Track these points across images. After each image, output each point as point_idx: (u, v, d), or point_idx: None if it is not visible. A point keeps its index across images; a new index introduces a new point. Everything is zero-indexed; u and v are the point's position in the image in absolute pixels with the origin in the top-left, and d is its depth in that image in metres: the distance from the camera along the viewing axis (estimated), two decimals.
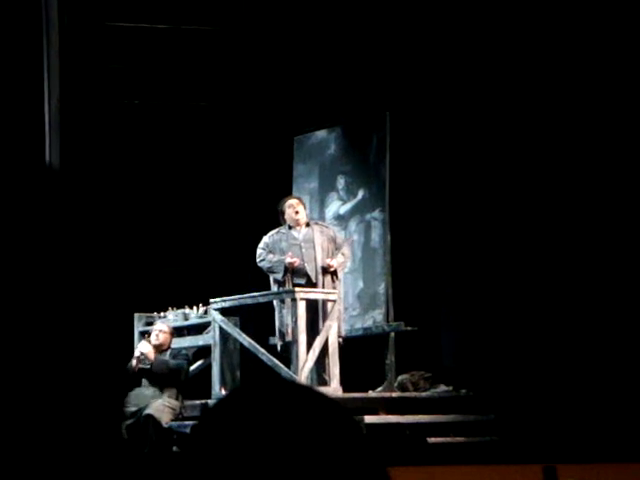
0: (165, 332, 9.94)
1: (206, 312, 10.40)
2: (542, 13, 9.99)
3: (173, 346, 10.33)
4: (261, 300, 9.93)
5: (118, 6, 11.39)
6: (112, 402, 9.61)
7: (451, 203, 10.90)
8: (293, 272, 9.76)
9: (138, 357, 9.79)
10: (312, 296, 9.70)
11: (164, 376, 9.71)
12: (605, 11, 9.60)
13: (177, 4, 11.54)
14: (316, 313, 9.62)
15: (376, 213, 10.67)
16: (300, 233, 9.91)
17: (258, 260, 9.87)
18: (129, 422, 9.62)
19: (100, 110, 11.30)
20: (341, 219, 10.98)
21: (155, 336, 9.92)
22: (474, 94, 10.60)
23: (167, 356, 9.90)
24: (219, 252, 11.67)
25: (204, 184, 11.77)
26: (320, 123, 11.25)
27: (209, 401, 9.79)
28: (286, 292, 9.71)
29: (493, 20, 10.36)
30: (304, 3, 11.43)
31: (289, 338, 9.61)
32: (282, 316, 9.69)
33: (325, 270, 9.81)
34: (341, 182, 11.02)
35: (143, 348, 9.83)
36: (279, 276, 9.78)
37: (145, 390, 9.72)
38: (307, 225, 9.98)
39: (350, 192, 10.95)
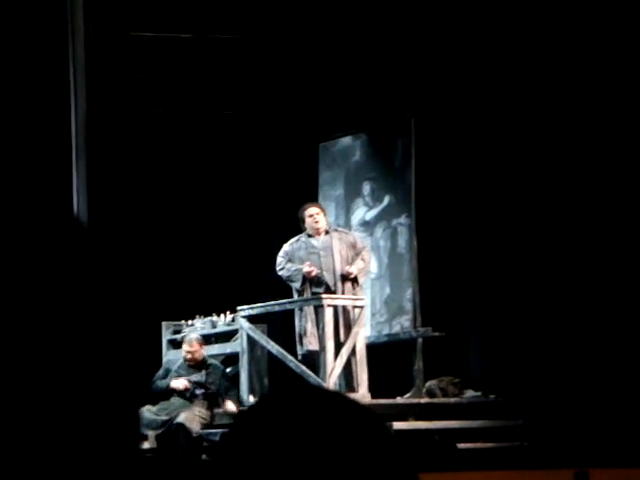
0: (197, 350, 9.88)
1: (234, 320, 10.41)
2: (566, 20, 9.96)
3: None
4: (288, 307, 9.94)
5: (142, 16, 11.44)
6: (133, 412, 9.62)
7: (477, 208, 10.87)
8: (311, 281, 9.77)
9: (186, 387, 9.72)
10: (339, 302, 9.69)
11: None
12: (618, 13, 9.56)
13: (201, 13, 11.58)
14: (337, 320, 9.60)
15: (402, 219, 10.65)
16: (319, 241, 9.91)
17: (278, 269, 9.90)
18: (160, 431, 9.63)
19: (125, 119, 11.35)
20: (367, 225, 10.97)
21: (189, 357, 9.86)
22: (499, 99, 10.57)
23: (203, 368, 9.83)
24: (246, 260, 11.68)
25: (231, 192, 11.79)
26: (345, 130, 11.25)
27: (242, 409, 9.80)
28: (313, 299, 9.71)
29: (518, 28, 10.33)
30: (329, 11, 11.44)
31: (309, 346, 9.61)
32: (301, 324, 9.70)
33: (345, 277, 9.80)
34: (367, 188, 11.02)
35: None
36: (297, 285, 9.80)
37: (176, 401, 9.72)
38: (327, 233, 9.98)
39: (376, 198, 10.94)
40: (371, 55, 11.32)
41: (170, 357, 10.35)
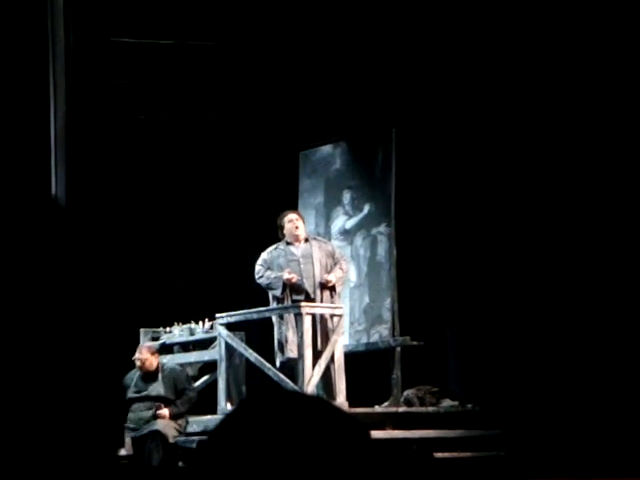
0: (147, 359, 9.68)
1: (212, 327, 10.38)
2: (545, 28, 10.00)
3: (180, 361, 10.30)
4: (267, 315, 9.91)
5: (123, 22, 11.42)
6: (114, 417, 9.60)
7: (457, 217, 10.89)
8: (291, 288, 9.75)
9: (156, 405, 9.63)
10: (318, 311, 9.68)
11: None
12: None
13: (181, 20, 11.57)
14: (314, 329, 9.59)
15: (382, 228, 10.65)
16: (299, 249, 9.90)
17: (257, 277, 9.86)
18: (132, 435, 9.58)
19: (105, 125, 11.32)
20: (347, 234, 10.96)
21: (140, 368, 9.74)
22: (479, 109, 10.60)
23: (159, 378, 9.68)
24: (225, 267, 11.66)
25: (210, 199, 11.76)
26: (326, 138, 11.25)
27: (217, 417, 9.75)
28: (292, 307, 9.69)
29: (498, 38, 10.37)
30: (310, 19, 11.45)
31: (291, 354, 9.58)
32: (281, 332, 9.67)
33: (323, 285, 9.79)
34: (347, 197, 11.02)
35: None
36: (278, 292, 9.76)
37: (145, 413, 9.62)
38: (306, 240, 9.97)
39: (356, 207, 10.94)
40: (353, 65, 11.33)
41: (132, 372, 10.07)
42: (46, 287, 10.25)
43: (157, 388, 9.62)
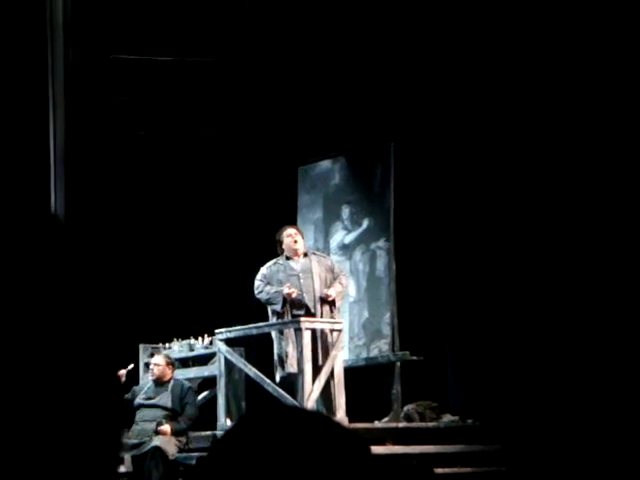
0: (160, 365, 9.84)
1: (211, 343, 10.37)
2: (543, 40, 10.03)
3: (179, 377, 10.29)
4: (267, 330, 9.91)
5: (122, 39, 11.45)
6: (113, 433, 9.57)
7: (456, 232, 10.90)
8: (291, 303, 9.75)
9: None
10: (317, 326, 9.68)
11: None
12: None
13: (180, 36, 11.60)
14: (315, 344, 9.59)
15: (381, 242, 10.66)
16: (298, 263, 9.90)
17: (256, 292, 9.86)
18: (133, 453, 9.56)
19: (105, 141, 11.34)
20: (346, 249, 10.97)
21: (151, 371, 9.88)
22: (478, 123, 10.62)
23: (169, 388, 9.78)
24: (224, 283, 11.66)
25: (209, 215, 11.78)
26: (324, 153, 11.27)
27: (217, 432, 9.75)
28: (292, 322, 9.69)
29: (496, 53, 10.40)
30: (308, 34, 11.48)
31: (291, 369, 9.58)
32: (281, 347, 9.67)
33: (323, 300, 9.79)
34: (346, 212, 11.03)
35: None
36: (278, 307, 9.76)
37: (148, 425, 9.64)
38: (305, 255, 9.98)
39: (355, 222, 10.95)
40: (351, 79, 11.35)
41: (145, 380, 10.25)
42: (45, 304, 10.22)
43: (165, 398, 9.69)
